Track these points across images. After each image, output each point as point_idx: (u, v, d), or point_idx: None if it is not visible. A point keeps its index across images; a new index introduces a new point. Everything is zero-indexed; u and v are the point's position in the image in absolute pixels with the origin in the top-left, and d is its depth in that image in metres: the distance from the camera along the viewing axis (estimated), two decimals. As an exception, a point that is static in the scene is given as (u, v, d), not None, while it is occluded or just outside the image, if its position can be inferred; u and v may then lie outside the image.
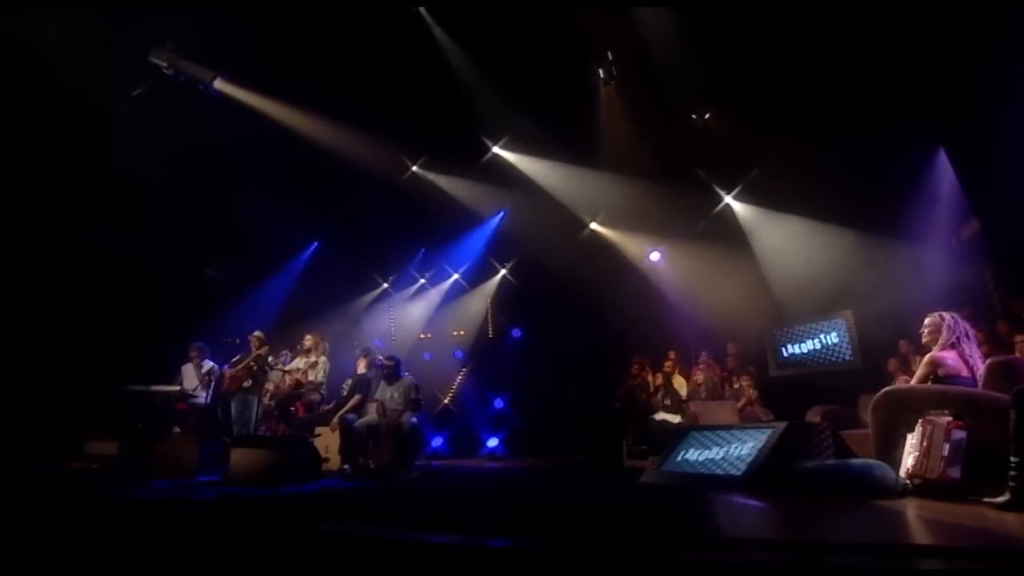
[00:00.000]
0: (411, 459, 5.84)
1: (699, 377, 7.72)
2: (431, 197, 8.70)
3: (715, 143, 7.22)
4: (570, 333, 8.81)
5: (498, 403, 9.24)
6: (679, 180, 7.74)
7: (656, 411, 7.66)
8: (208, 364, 7.26)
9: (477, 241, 9.51)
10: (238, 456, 4.85)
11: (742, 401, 7.02)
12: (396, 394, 5.88)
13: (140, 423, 6.38)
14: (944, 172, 6.88)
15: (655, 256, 9.10)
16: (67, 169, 6.90)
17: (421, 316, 10.07)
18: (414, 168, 8.67)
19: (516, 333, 9.60)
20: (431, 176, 8.67)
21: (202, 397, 7.16)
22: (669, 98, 6.74)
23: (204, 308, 8.20)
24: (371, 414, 6.20)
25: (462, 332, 9.85)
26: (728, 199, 8.34)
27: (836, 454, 4.34)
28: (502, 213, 9.20)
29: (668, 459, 4.95)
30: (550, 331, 9.09)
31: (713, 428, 5.04)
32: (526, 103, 7.12)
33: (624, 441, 7.51)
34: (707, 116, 7.06)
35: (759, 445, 4.22)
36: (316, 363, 6.59)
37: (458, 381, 9.52)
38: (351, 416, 5.99)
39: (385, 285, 10.50)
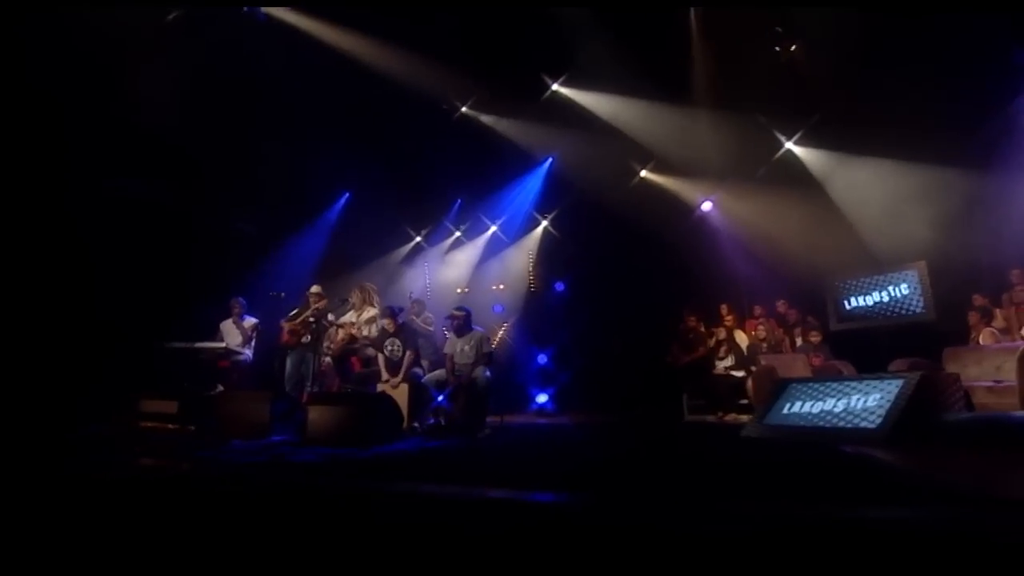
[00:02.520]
0: (484, 415, 5.55)
1: (760, 332, 7.50)
2: (475, 142, 8.13)
3: (794, 79, 6.67)
4: (616, 286, 8.46)
5: (542, 358, 8.96)
6: (747, 119, 7.22)
7: (714, 366, 7.46)
8: (251, 320, 6.87)
9: (520, 191, 9.00)
10: (316, 414, 4.52)
11: (812, 354, 6.78)
12: (467, 347, 5.52)
13: (187, 381, 6.04)
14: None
15: (707, 206, 8.69)
16: (83, 109, 6.27)
17: (459, 270, 9.65)
18: (463, 109, 8.06)
19: (559, 287, 9.23)
20: (481, 117, 8.05)
21: (246, 354, 6.80)
22: (757, 27, 6.16)
23: (235, 263, 7.73)
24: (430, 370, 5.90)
25: (502, 286, 9.46)
26: (789, 144, 7.90)
27: (966, 406, 4.14)
28: (550, 160, 8.67)
29: (771, 413, 4.72)
30: (595, 284, 8.74)
31: (820, 380, 4.79)
32: (604, 25, 6.41)
33: (684, 396, 7.31)
34: (792, 48, 6.51)
35: (889, 397, 3.98)
36: (372, 317, 6.20)
37: (499, 336, 9.18)
38: (418, 371, 5.67)
39: (418, 239, 10.03)
